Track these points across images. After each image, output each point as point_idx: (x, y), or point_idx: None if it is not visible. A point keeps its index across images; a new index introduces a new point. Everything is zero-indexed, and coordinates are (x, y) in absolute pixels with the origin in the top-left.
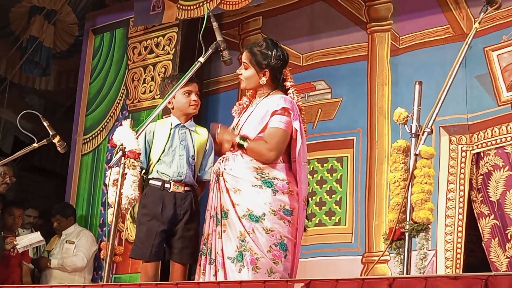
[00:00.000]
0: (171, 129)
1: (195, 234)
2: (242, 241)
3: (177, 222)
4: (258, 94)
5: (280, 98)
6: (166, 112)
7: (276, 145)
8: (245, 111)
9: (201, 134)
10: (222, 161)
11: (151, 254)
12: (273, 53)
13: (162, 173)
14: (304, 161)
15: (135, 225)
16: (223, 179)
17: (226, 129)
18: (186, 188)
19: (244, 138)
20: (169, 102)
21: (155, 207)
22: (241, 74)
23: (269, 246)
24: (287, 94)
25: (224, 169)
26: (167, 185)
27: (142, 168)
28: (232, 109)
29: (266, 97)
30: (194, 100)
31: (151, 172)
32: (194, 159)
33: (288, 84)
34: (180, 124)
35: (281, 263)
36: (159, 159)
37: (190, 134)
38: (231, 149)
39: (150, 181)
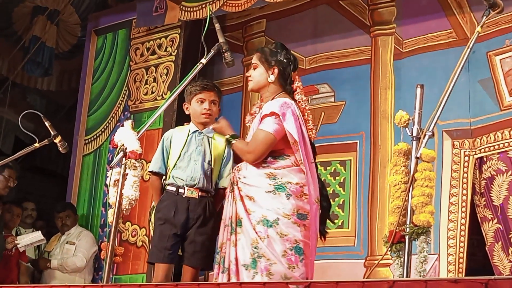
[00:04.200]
0: (188, 135)
1: (207, 239)
2: (255, 248)
3: (190, 227)
4: (264, 98)
5: (276, 102)
6: (187, 119)
7: (254, 148)
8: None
9: (220, 141)
10: (237, 170)
11: (164, 256)
12: (283, 52)
13: (177, 178)
14: (310, 161)
15: None
16: (238, 187)
17: (227, 122)
18: (200, 194)
19: (235, 135)
20: (186, 109)
21: (168, 211)
22: (250, 76)
23: (284, 250)
24: (294, 98)
25: (239, 178)
26: (181, 190)
27: (161, 175)
28: (246, 119)
29: (271, 100)
30: (205, 109)
31: (168, 178)
32: (210, 165)
33: (295, 85)
34: (197, 130)
35: (297, 268)
36: (175, 164)
37: (208, 140)
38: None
39: (167, 187)
